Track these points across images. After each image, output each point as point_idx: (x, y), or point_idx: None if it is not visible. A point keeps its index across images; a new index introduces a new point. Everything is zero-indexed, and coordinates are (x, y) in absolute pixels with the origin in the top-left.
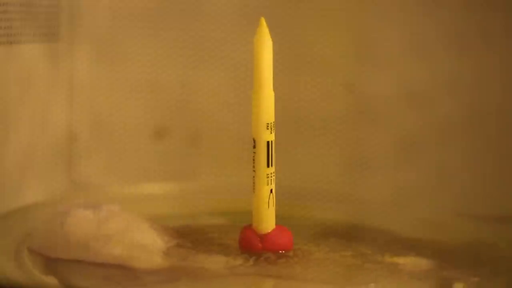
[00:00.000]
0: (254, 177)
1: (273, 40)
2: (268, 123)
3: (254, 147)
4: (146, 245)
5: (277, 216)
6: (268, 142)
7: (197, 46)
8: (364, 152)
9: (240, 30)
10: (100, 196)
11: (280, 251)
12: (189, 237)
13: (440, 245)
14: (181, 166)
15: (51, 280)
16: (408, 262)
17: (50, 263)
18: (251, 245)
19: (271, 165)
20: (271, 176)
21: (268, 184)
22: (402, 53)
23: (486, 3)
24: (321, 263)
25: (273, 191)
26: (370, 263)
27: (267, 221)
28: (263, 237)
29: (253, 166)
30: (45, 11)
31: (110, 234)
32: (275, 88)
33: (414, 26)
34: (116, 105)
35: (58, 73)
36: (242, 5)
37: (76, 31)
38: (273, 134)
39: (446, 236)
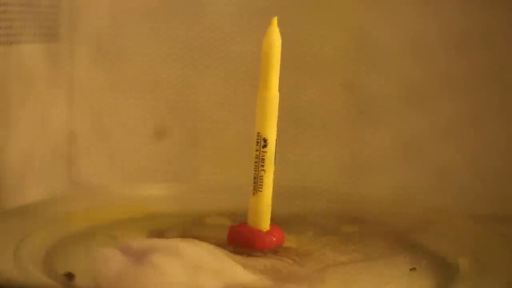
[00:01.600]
0: (262, 176)
1: None
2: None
3: (265, 146)
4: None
5: (277, 216)
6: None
7: (197, 46)
8: (364, 152)
9: (240, 30)
10: (100, 196)
11: (279, 247)
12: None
13: (440, 244)
14: (181, 166)
15: None
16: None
17: None
18: (267, 243)
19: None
20: (274, 175)
21: (272, 182)
22: (402, 53)
23: (486, 2)
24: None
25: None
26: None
27: (268, 219)
28: (271, 234)
29: (262, 166)
30: (45, 11)
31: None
32: None
33: (414, 25)
34: (116, 105)
35: (58, 73)
36: (242, 5)
37: (76, 31)
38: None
39: (446, 235)
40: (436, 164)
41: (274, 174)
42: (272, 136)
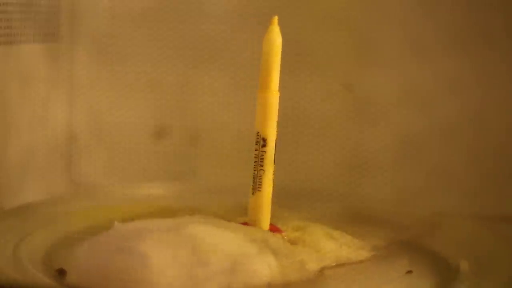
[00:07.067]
0: (261, 176)
1: None
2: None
3: (264, 146)
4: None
5: (277, 216)
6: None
7: (197, 46)
8: (364, 152)
9: (240, 30)
10: (100, 196)
11: None
12: None
13: (440, 244)
14: (181, 166)
15: None
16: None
17: None
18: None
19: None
20: (274, 174)
21: (272, 182)
22: (402, 53)
23: (486, 2)
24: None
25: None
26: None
27: (268, 219)
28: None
29: (261, 165)
30: (45, 11)
31: None
32: None
33: (414, 26)
34: (116, 105)
35: (58, 73)
36: (242, 5)
37: (76, 31)
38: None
39: (446, 235)
40: (436, 164)
41: (274, 174)
42: (271, 136)
